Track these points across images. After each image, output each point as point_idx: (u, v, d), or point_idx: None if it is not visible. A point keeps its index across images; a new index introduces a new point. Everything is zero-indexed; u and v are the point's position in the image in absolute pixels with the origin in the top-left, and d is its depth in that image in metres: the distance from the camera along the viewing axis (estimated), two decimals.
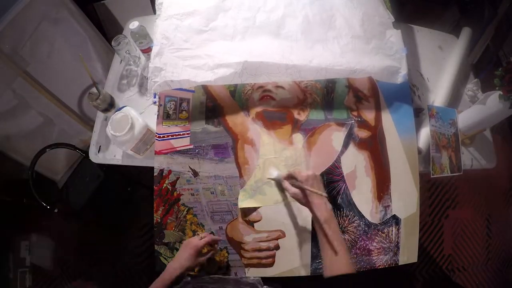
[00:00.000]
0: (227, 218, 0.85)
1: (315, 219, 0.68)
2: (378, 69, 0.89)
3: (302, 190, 0.70)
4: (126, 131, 0.81)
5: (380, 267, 0.86)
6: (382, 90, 0.93)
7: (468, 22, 1.51)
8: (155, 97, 1.00)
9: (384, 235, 0.87)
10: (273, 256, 0.84)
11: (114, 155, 0.97)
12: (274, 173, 0.82)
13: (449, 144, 0.94)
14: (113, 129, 0.81)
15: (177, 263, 0.72)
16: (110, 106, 0.98)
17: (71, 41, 1.56)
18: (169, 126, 0.88)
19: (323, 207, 0.67)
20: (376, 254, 0.86)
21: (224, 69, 0.85)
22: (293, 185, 0.72)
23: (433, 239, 1.80)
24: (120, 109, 0.86)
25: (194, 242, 0.74)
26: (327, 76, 0.89)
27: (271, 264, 0.84)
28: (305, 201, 0.70)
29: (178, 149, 0.86)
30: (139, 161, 0.94)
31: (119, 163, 0.96)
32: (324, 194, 0.68)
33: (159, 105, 0.89)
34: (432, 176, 0.89)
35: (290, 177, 0.74)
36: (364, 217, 0.86)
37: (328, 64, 0.86)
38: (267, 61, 0.84)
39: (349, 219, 0.86)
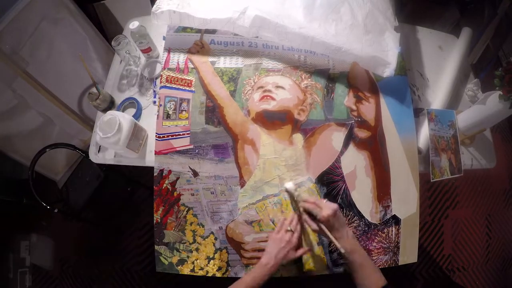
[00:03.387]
0: (227, 218, 0.85)
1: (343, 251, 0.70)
2: (366, 55, 0.88)
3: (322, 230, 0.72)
4: (116, 130, 0.81)
5: (380, 267, 0.86)
6: (382, 90, 0.93)
7: (468, 22, 1.51)
8: (155, 97, 1.00)
9: (384, 235, 0.87)
10: None
11: (114, 155, 0.97)
12: (290, 185, 0.82)
13: (449, 146, 0.94)
14: (103, 132, 0.81)
15: (272, 260, 0.73)
16: (110, 105, 0.98)
17: (71, 41, 1.56)
18: (169, 126, 0.88)
19: (346, 241, 0.70)
20: (376, 254, 0.86)
21: (222, 12, 0.86)
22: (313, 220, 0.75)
23: (433, 239, 1.80)
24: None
25: (294, 240, 0.76)
26: (312, 46, 0.89)
27: None
28: (326, 236, 0.72)
29: (178, 149, 0.86)
30: (139, 161, 0.94)
31: (119, 163, 0.97)
32: (339, 246, 0.70)
33: (159, 105, 0.89)
34: (432, 180, 0.89)
35: (309, 213, 0.75)
36: (364, 217, 0.86)
37: (315, 34, 0.86)
38: (261, 15, 0.84)
39: (349, 219, 0.86)
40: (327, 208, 0.71)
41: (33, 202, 1.31)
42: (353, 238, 0.72)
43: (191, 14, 0.87)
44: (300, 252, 0.77)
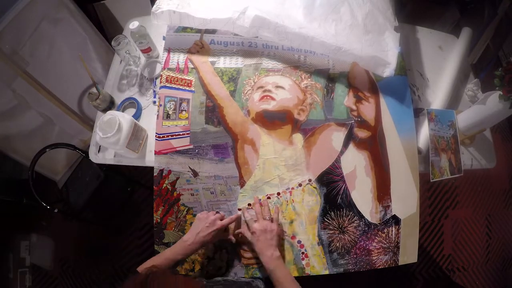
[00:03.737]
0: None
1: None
2: (366, 55, 0.88)
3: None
4: (116, 130, 0.81)
5: (380, 267, 0.86)
6: (382, 90, 0.93)
7: (468, 22, 1.51)
8: (155, 97, 1.00)
9: (384, 235, 0.87)
10: None
11: (114, 155, 0.97)
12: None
13: (448, 146, 0.93)
14: (103, 132, 0.81)
15: (192, 237, 0.74)
16: (110, 105, 0.98)
17: (71, 41, 1.56)
18: (169, 126, 0.88)
19: (269, 259, 0.72)
20: (376, 254, 0.86)
21: (222, 12, 0.86)
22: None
23: (433, 239, 1.80)
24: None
25: (219, 222, 0.77)
26: (312, 46, 0.89)
27: None
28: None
29: (178, 149, 0.86)
30: (139, 161, 0.94)
31: (119, 163, 0.97)
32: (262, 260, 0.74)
33: (159, 105, 0.89)
34: (432, 180, 0.89)
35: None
36: (364, 217, 0.86)
37: (315, 34, 0.86)
38: (261, 15, 0.84)
39: (349, 219, 0.86)
40: (260, 223, 0.76)
41: (33, 202, 1.31)
42: (278, 259, 0.73)
43: (191, 14, 0.87)
44: (226, 230, 0.81)
